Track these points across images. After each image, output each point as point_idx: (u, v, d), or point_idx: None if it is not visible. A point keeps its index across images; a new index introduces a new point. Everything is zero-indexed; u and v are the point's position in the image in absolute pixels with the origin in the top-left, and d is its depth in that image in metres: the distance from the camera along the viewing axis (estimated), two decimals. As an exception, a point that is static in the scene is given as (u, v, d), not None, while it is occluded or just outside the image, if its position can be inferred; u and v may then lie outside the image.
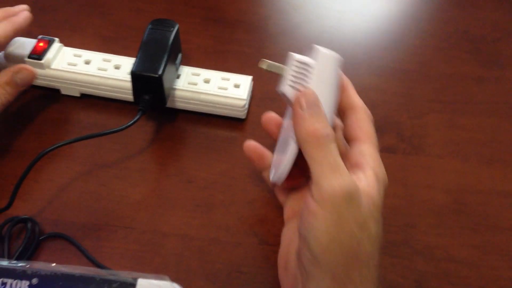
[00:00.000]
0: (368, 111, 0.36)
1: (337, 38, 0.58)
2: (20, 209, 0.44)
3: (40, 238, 0.43)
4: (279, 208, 0.46)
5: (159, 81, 0.44)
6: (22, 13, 0.48)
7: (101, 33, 0.56)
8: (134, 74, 0.44)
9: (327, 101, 0.34)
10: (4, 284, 0.36)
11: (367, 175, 0.33)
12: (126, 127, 0.45)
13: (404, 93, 0.54)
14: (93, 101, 0.51)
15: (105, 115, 0.51)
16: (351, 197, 0.31)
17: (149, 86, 0.45)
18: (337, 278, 0.31)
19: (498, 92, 0.54)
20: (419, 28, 0.59)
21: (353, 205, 0.31)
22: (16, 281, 0.36)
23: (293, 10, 0.60)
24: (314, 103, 0.33)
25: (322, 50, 0.34)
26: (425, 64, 0.56)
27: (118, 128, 0.45)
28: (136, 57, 0.45)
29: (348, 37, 0.58)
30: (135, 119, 0.45)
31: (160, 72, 0.44)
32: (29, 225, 0.43)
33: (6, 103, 0.45)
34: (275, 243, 0.44)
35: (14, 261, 0.37)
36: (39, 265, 0.37)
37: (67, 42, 0.55)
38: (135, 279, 0.37)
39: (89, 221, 0.45)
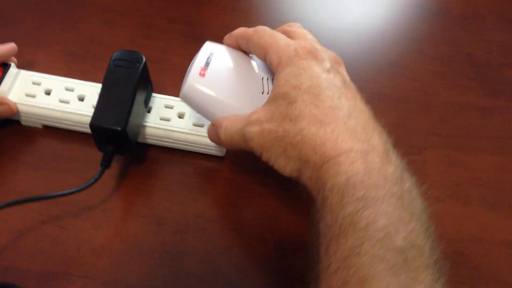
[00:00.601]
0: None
1: (329, 58, 0.53)
2: (-34, 255, 0.39)
3: (-14, 291, 0.38)
4: (261, 256, 0.41)
5: (122, 134, 0.39)
6: (7, 43, 0.44)
7: (67, 49, 0.51)
8: (94, 127, 0.39)
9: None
10: None
11: None
12: (87, 187, 0.39)
13: (400, 124, 0.49)
14: (56, 130, 0.46)
15: (68, 145, 0.45)
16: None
17: (112, 138, 0.40)
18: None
19: (505, 125, 0.49)
20: (418, 50, 0.54)
21: None
22: None
23: (282, 27, 0.55)
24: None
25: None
26: (424, 91, 0.51)
27: (77, 189, 0.39)
28: (96, 103, 0.40)
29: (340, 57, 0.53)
30: (97, 176, 0.40)
31: (123, 124, 0.39)
32: (-26, 276, 0.38)
33: None
34: (254, 297, 0.40)
35: None
36: None
37: (29, 60, 0.49)
38: None
39: (44, 270, 0.40)
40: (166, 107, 0.44)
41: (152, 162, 0.45)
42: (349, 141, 0.32)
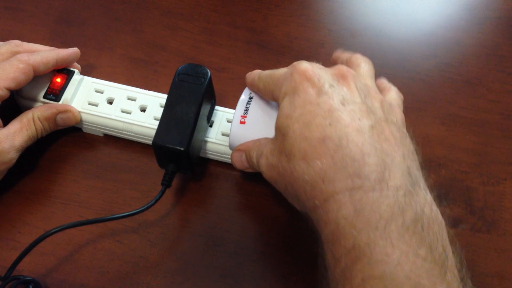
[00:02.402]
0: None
1: (400, 73, 0.49)
2: (25, 265, 0.39)
3: (43, 305, 0.38)
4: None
5: (185, 154, 0.37)
6: (70, 48, 0.44)
7: (130, 54, 0.50)
8: (156, 146, 0.38)
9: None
10: None
11: None
12: (147, 208, 0.38)
13: (478, 151, 0.45)
14: (117, 139, 0.45)
15: (128, 155, 0.44)
16: None
17: (174, 157, 0.38)
18: None
19: None
20: (500, 68, 0.50)
21: None
22: None
23: (351, 38, 0.52)
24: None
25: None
26: (507, 116, 0.47)
27: (137, 210, 0.38)
28: (160, 120, 0.39)
29: (413, 73, 0.49)
30: (157, 197, 0.39)
31: (186, 144, 0.37)
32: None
33: (38, 138, 0.42)
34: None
35: None
36: None
37: (91, 64, 0.49)
38: None
39: (99, 285, 0.39)
40: (228, 121, 0.42)
41: (212, 178, 0.44)
42: (336, 179, 0.29)
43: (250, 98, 0.39)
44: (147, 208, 0.38)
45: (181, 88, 0.38)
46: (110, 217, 0.38)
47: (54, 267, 0.40)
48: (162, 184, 0.39)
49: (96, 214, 0.42)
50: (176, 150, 0.37)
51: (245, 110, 0.38)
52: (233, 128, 0.38)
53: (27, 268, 0.39)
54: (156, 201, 0.38)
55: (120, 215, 0.37)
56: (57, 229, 0.36)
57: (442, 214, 0.30)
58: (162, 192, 0.39)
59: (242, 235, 0.41)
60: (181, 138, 0.37)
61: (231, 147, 0.40)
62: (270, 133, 0.35)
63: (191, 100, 0.38)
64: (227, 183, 0.43)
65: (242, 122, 0.38)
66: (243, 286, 0.39)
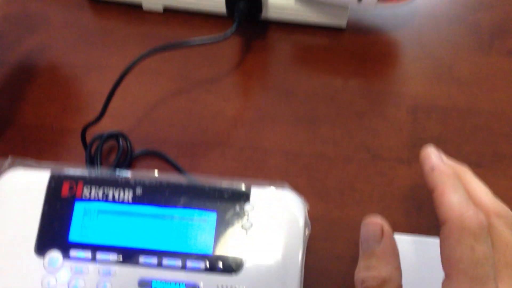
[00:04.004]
0: (468, 220, 0.24)
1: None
2: (108, 128, 0.40)
3: (134, 155, 0.40)
4: (393, 122, 0.41)
5: None
6: None
7: None
8: None
9: None
10: (106, 194, 0.32)
11: None
12: (225, 38, 0.40)
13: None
14: (176, 16, 0.46)
15: (189, 29, 0.46)
16: None
17: None
18: None
19: None
20: None
21: None
22: (118, 191, 0.33)
23: None
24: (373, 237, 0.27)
25: None
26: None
27: (215, 38, 0.40)
28: None
29: None
30: (233, 28, 0.40)
31: None
32: (120, 141, 0.39)
33: None
34: (390, 158, 0.39)
35: (114, 171, 0.33)
36: (142, 175, 0.33)
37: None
38: (249, 188, 0.33)
39: (182, 138, 0.41)
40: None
41: (274, 39, 0.45)
42: None
43: None
44: (226, 38, 0.40)
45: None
46: (189, 40, 0.39)
47: (133, 126, 0.41)
48: (234, 19, 0.41)
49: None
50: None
51: None
52: None
53: (109, 128, 0.40)
54: (232, 33, 0.40)
55: (198, 40, 0.39)
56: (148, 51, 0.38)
57: None
58: (237, 25, 0.40)
59: (311, 85, 0.43)
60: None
61: None
62: None
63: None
64: (289, 41, 0.45)
65: None
66: (320, 126, 0.41)
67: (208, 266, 0.31)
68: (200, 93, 0.43)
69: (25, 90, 0.43)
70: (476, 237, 0.24)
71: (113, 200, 0.32)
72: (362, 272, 0.26)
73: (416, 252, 0.35)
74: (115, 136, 0.39)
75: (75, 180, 0.33)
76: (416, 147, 0.40)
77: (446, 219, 0.25)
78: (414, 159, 0.39)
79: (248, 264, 0.31)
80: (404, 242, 0.35)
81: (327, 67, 0.43)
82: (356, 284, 0.26)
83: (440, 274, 0.34)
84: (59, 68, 0.44)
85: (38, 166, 0.34)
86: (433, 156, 0.28)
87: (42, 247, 0.31)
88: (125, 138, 0.40)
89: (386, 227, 0.27)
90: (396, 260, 0.26)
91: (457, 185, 0.26)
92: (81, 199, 0.32)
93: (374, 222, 0.27)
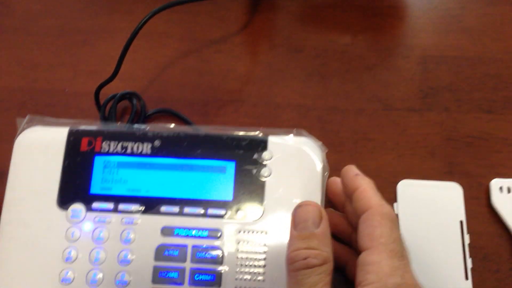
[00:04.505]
0: (386, 209, 0.28)
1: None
2: (121, 89, 0.40)
3: (147, 114, 0.40)
4: (403, 73, 0.41)
5: None
6: None
7: None
8: None
9: None
10: (124, 147, 0.33)
11: None
12: None
13: None
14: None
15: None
16: None
17: None
18: None
19: None
20: None
21: None
22: (137, 144, 0.33)
23: None
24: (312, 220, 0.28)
25: None
26: None
27: None
28: None
29: None
30: None
31: None
32: (134, 101, 0.40)
33: None
34: (402, 108, 0.40)
35: (132, 126, 0.34)
36: (160, 127, 0.34)
37: None
38: (266, 136, 0.33)
39: (195, 97, 0.41)
40: None
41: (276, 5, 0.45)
42: None
43: None
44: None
45: None
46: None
47: (146, 86, 0.41)
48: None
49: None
50: None
51: None
52: None
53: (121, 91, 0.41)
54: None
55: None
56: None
57: None
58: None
59: (321, 41, 0.43)
60: None
61: None
62: None
63: None
64: (295, 1, 0.45)
65: None
66: (331, 80, 0.41)
67: (229, 212, 0.31)
68: (210, 53, 0.43)
69: (35, 55, 0.43)
70: (393, 222, 0.28)
71: (132, 153, 0.33)
72: (303, 250, 0.27)
73: (430, 196, 0.36)
74: (128, 96, 0.40)
75: (93, 135, 0.33)
76: (428, 96, 0.40)
77: (369, 207, 0.28)
78: (426, 108, 0.39)
79: (268, 209, 0.32)
80: (420, 187, 0.36)
81: (335, 24, 0.44)
82: (294, 261, 0.27)
83: (452, 216, 0.35)
84: (68, 34, 0.44)
85: (56, 123, 0.34)
86: (354, 168, 0.31)
87: (64, 200, 0.32)
88: (138, 97, 0.40)
89: (323, 211, 0.28)
90: (331, 244, 0.28)
91: (375, 188, 0.30)
92: (101, 153, 0.33)
93: (314, 205, 0.28)
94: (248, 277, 0.30)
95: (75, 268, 0.31)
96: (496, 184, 0.36)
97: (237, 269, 0.30)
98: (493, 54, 0.41)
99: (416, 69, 0.41)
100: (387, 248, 0.27)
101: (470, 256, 0.34)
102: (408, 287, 0.26)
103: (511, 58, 0.41)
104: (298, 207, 0.28)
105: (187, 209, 0.31)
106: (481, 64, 0.41)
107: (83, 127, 0.34)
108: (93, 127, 0.34)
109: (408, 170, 0.37)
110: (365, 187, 0.30)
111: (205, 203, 0.32)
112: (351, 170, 0.31)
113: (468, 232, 0.35)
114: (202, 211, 0.31)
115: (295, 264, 0.26)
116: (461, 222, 0.35)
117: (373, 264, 0.26)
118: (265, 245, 0.31)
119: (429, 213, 0.35)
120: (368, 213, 0.28)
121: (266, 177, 0.32)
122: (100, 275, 0.31)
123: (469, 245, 0.34)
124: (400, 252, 0.27)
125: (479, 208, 0.36)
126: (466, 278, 0.33)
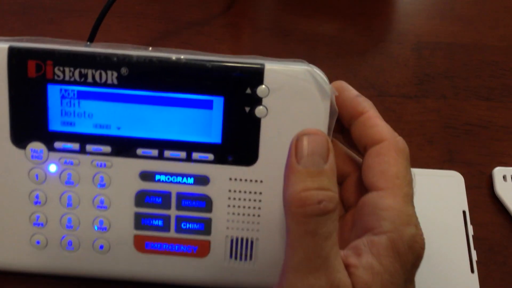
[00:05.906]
0: (401, 143, 0.25)
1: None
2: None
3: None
4: (397, 59, 0.39)
5: None
6: None
7: None
8: None
9: None
10: (83, 75, 0.26)
11: (364, 265, 0.22)
12: None
13: None
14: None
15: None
16: None
17: None
18: None
19: None
20: None
21: None
22: (99, 71, 0.26)
23: None
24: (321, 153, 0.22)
25: None
26: None
27: None
28: None
29: None
30: None
31: None
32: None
33: None
34: (397, 94, 0.37)
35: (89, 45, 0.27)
36: (124, 47, 0.27)
37: None
38: (262, 64, 0.26)
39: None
40: None
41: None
42: None
43: None
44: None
45: None
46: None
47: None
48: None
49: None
50: None
51: None
52: None
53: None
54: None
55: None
56: None
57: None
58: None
59: (310, 25, 0.40)
60: None
61: None
62: None
63: None
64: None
65: None
66: (320, 65, 0.38)
67: (217, 157, 0.27)
68: (191, 35, 0.40)
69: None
70: (408, 160, 0.25)
71: (94, 84, 0.26)
72: (314, 191, 0.21)
73: (430, 185, 0.33)
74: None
75: (41, 58, 0.26)
76: (423, 83, 0.38)
77: (382, 138, 0.25)
78: (422, 95, 0.37)
79: (263, 154, 0.27)
80: (419, 175, 0.33)
81: (325, 7, 0.41)
82: (305, 204, 0.21)
83: (454, 206, 0.33)
84: (32, 12, 0.40)
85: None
86: (351, 87, 0.27)
87: (20, 137, 0.27)
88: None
89: (330, 142, 0.22)
90: (336, 182, 0.23)
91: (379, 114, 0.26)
92: (54, 82, 0.26)
93: (321, 134, 0.22)
94: (241, 226, 0.27)
95: (46, 212, 0.27)
96: (499, 172, 0.34)
97: (228, 218, 0.27)
98: (488, 41, 0.40)
99: (410, 55, 0.39)
100: (402, 191, 0.24)
101: (475, 248, 0.31)
102: (420, 237, 0.23)
103: (507, 46, 0.40)
104: (302, 135, 0.22)
105: (167, 153, 0.27)
106: (476, 51, 0.39)
107: (26, 44, 0.26)
108: (39, 44, 0.26)
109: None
110: (373, 113, 0.25)
111: (188, 146, 0.27)
112: (349, 89, 0.26)
113: (472, 223, 0.32)
114: (185, 155, 0.27)
115: (306, 209, 0.21)
116: (464, 213, 0.33)
117: (388, 210, 0.23)
118: (260, 193, 0.27)
119: (430, 203, 0.33)
120: (381, 146, 0.25)
121: (261, 116, 0.27)
122: (75, 220, 0.27)
123: (473, 236, 0.32)
124: (412, 196, 0.24)
125: (482, 197, 0.34)
126: (472, 271, 0.31)
